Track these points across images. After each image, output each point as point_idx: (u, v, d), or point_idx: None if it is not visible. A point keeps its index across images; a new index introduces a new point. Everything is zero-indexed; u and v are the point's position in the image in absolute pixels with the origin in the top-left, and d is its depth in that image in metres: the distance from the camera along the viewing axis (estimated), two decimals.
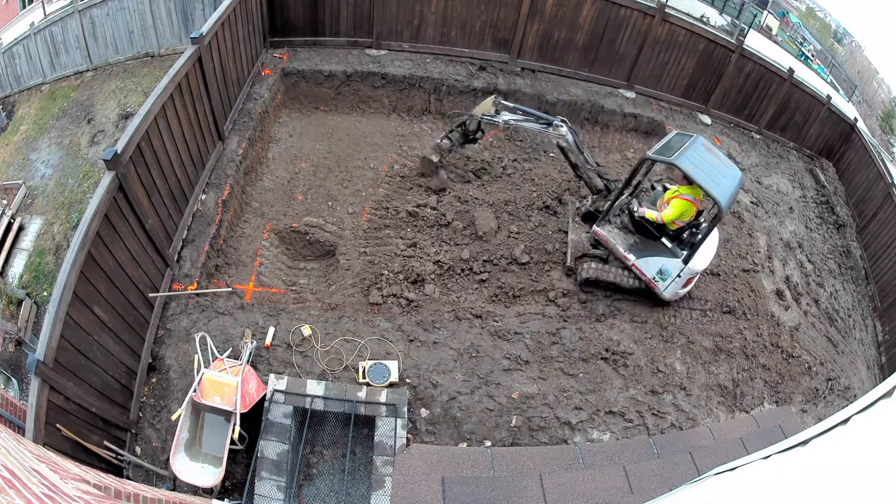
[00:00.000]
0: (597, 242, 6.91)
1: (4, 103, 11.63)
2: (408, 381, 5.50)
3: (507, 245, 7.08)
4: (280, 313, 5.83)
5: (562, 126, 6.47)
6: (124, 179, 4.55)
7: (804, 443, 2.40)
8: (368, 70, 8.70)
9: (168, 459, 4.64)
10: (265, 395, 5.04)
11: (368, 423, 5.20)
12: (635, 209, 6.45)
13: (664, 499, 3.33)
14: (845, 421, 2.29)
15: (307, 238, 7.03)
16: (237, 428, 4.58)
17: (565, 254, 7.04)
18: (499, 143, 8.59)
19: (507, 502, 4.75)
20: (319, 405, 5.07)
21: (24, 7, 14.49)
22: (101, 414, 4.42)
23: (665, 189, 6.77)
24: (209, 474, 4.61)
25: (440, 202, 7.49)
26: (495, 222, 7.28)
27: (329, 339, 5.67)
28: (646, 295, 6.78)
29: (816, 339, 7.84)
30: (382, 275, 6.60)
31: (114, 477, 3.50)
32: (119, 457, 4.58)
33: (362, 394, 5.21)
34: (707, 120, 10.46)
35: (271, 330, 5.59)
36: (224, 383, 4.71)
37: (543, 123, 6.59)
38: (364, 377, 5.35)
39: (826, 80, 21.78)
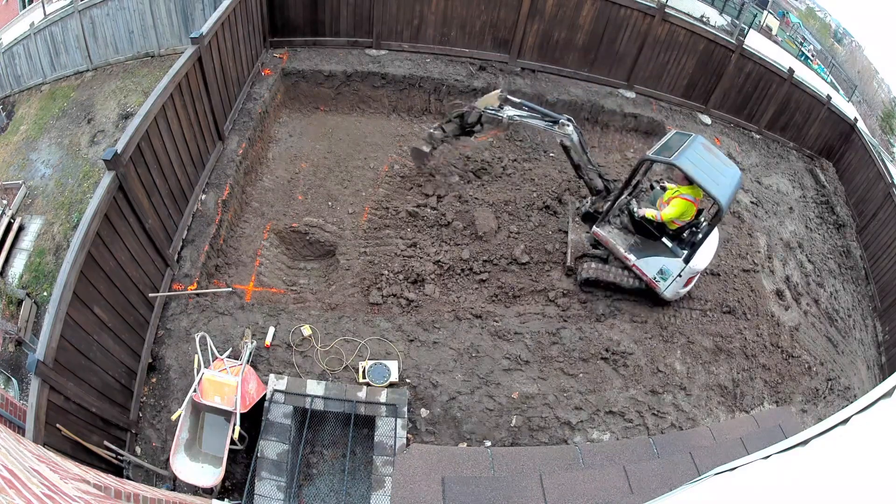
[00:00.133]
0: (597, 243, 6.91)
1: (4, 103, 11.63)
2: (408, 381, 5.50)
3: (507, 245, 7.08)
4: (280, 313, 5.83)
5: (568, 125, 6.40)
6: (124, 179, 4.55)
7: (804, 443, 2.40)
8: (368, 70, 8.70)
9: (168, 459, 4.64)
10: (265, 395, 5.04)
11: (368, 423, 5.20)
12: (635, 209, 6.45)
13: (664, 499, 3.33)
14: (845, 421, 2.29)
15: (307, 238, 7.03)
16: (237, 428, 4.58)
17: (565, 254, 7.04)
18: (499, 143, 8.59)
19: (507, 502, 4.75)
20: (319, 405, 5.07)
21: (24, 7, 14.49)
22: (101, 414, 4.42)
23: (665, 189, 6.77)
24: (209, 474, 4.61)
25: (440, 202, 7.50)
26: (495, 222, 7.28)
27: (329, 339, 5.67)
28: (646, 295, 6.78)
29: (816, 339, 7.84)
30: (382, 275, 6.60)
31: (114, 477, 3.50)
32: (119, 457, 4.59)
33: (362, 394, 5.21)
34: (707, 120, 10.46)
35: (271, 330, 5.59)
36: (224, 383, 4.71)
37: (549, 121, 6.50)
38: (364, 377, 5.35)
39: (826, 80, 21.78)
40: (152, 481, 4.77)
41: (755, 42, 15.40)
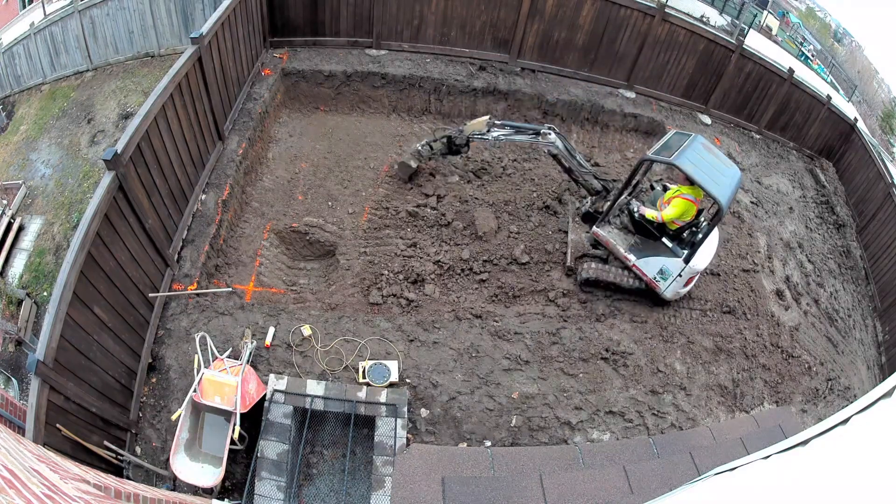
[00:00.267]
0: (597, 243, 6.91)
1: (4, 103, 11.64)
2: (408, 381, 5.50)
3: (507, 245, 7.08)
4: (280, 313, 5.83)
5: (549, 133, 6.54)
6: (124, 179, 4.55)
7: (804, 443, 2.40)
8: (368, 70, 8.70)
9: (168, 459, 4.64)
10: (265, 395, 5.04)
11: (368, 423, 5.20)
12: (635, 209, 6.45)
13: (664, 499, 3.32)
14: (845, 421, 2.29)
15: (307, 238, 7.04)
16: (237, 428, 4.58)
17: (565, 254, 7.04)
18: (498, 144, 8.58)
19: (507, 502, 4.75)
20: (319, 405, 5.07)
21: (24, 7, 14.49)
22: (101, 414, 4.42)
23: (665, 189, 6.78)
24: (209, 474, 4.61)
25: (440, 202, 7.50)
26: (495, 222, 7.29)
27: (329, 339, 5.67)
28: (646, 295, 6.79)
29: (816, 339, 7.84)
30: (382, 275, 6.60)
31: (114, 477, 3.50)
32: (119, 457, 4.59)
33: (362, 394, 5.21)
34: (707, 120, 10.46)
35: (271, 330, 5.59)
36: (224, 383, 4.71)
37: (531, 134, 6.66)
38: (364, 377, 5.35)
39: (826, 80, 21.77)
40: (152, 481, 4.77)
41: (755, 42, 15.39)
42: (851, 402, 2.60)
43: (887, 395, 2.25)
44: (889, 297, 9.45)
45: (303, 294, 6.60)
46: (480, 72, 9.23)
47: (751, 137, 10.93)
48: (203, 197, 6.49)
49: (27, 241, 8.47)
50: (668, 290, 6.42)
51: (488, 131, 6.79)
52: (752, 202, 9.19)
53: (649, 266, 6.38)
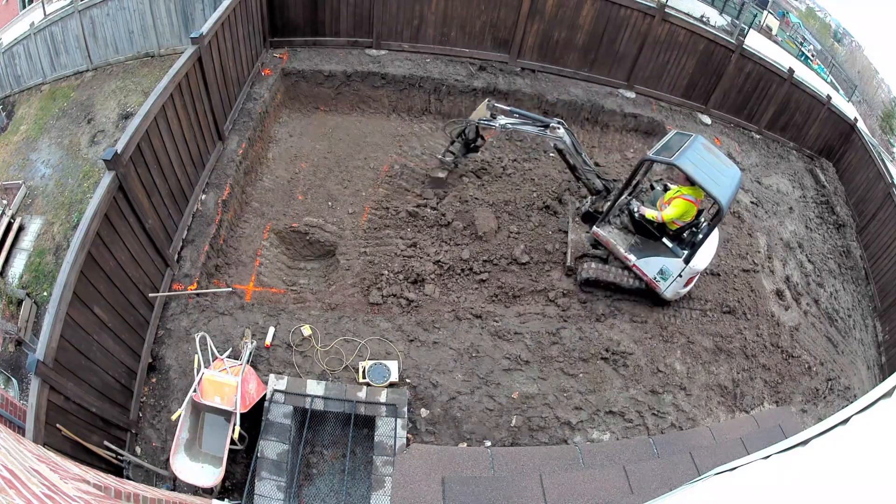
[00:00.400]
0: (597, 243, 6.91)
1: (4, 103, 11.64)
2: (408, 381, 5.50)
3: (507, 245, 7.08)
4: (280, 313, 5.83)
5: (558, 128, 6.46)
6: (124, 179, 4.55)
7: (804, 443, 2.40)
8: (368, 70, 8.70)
9: (168, 459, 4.64)
10: (265, 395, 5.04)
11: (368, 423, 5.20)
12: (635, 209, 6.45)
13: (664, 499, 3.32)
14: (845, 421, 2.29)
15: (307, 238, 7.04)
16: (237, 428, 4.58)
17: (565, 254, 7.04)
18: (499, 143, 8.59)
19: (507, 502, 4.75)
20: (319, 405, 5.07)
21: (24, 7, 14.49)
22: (101, 414, 4.42)
23: (665, 189, 6.78)
24: (209, 474, 4.61)
25: (440, 202, 7.50)
26: (495, 222, 7.29)
27: (329, 339, 5.67)
28: (646, 295, 6.78)
29: (816, 339, 7.84)
30: (382, 275, 6.60)
31: (114, 477, 3.50)
32: (119, 457, 4.59)
33: (362, 394, 5.21)
34: (707, 120, 10.46)
35: (271, 330, 5.59)
36: (224, 383, 4.71)
37: (540, 126, 6.59)
38: (364, 377, 5.35)
39: (826, 80, 21.77)
40: (152, 481, 4.77)
41: (755, 42, 15.38)
42: (851, 402, 2.60)
43: (887, 395, 2.24)
44: (889, 297, 9.45)
45: (303, 294, 6.60)
46: (480, 72, 9.23)
47: (751, 137, 10.93)
48: (203, 197, 6.49)
49: (27, 241, 8.47)
50: (669, 290, 6.42)
51: (493, 117, 6.75)
52: (752, 202, 9.19)
53: (649, 266, 6.38)
